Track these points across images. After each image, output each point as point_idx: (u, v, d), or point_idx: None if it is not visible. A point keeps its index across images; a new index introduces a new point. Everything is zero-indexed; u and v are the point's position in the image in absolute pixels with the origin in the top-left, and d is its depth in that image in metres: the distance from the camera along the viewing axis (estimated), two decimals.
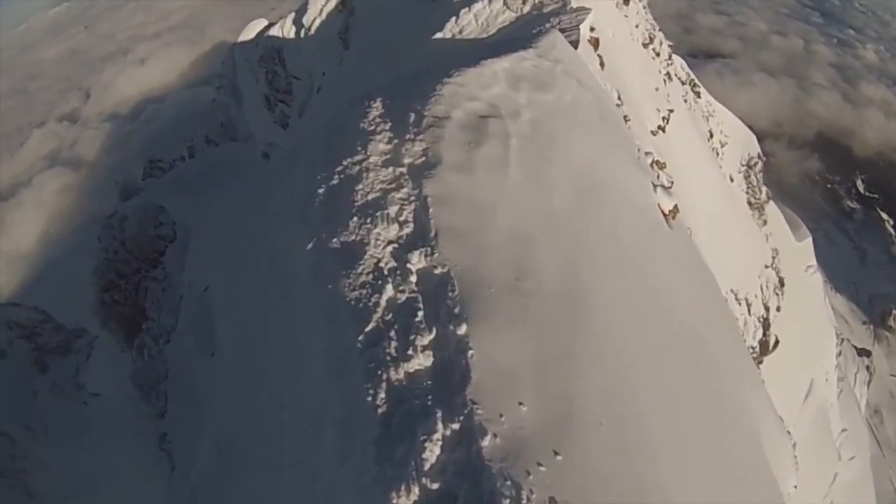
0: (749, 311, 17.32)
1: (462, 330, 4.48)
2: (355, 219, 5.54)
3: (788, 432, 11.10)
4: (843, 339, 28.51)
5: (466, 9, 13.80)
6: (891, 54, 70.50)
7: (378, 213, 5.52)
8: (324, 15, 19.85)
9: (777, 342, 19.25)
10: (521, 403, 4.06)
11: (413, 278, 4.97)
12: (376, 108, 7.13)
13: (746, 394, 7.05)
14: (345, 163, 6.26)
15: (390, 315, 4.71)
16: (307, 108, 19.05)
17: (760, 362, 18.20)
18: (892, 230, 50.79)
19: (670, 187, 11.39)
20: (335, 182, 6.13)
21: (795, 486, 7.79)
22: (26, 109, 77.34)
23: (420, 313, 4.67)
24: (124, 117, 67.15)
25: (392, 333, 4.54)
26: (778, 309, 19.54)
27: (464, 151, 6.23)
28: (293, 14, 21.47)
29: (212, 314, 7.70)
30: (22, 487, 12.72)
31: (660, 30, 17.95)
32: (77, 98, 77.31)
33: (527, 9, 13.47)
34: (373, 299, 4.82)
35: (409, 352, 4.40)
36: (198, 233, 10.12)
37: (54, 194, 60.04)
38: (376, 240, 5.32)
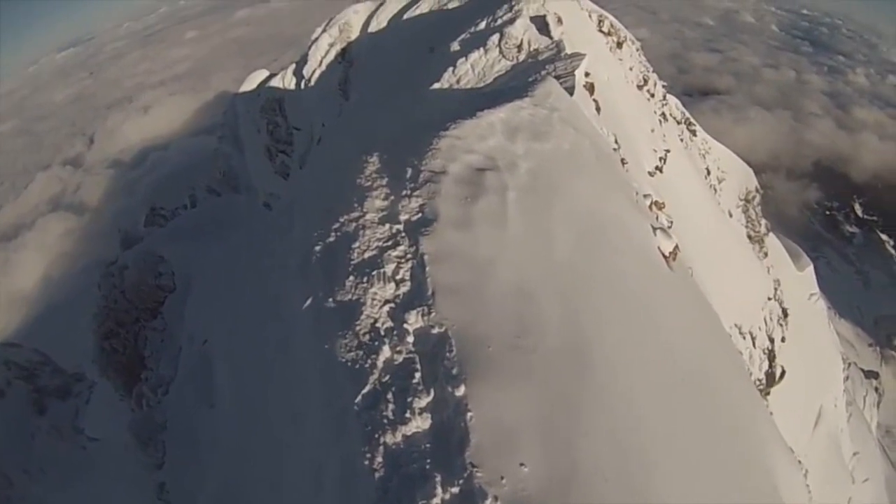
0: (754, 343, 17.26)
1: (460, 391, 4.42)
2: (352, 278, 5.51)
3: (799, 462, 10.97)
4: (849, 364, 28.36)
5: (463, 58, 14.06)
6: (881, 76, 71.82)
7: (374, 273, 5.48)
8: (324, 66, 20.27)
9: (784, 372, 19.13)
10: (522, 464, 4.02)
11: (410, 339, 4.91)
12: (373, 163, 7.18)
13: (755, 430, 6.92)
14: (341, 220, 6.25)
15: (387, 377, 4.66)
16: (307, 158, 19.29)
17: (768, 393, 18.07)
18: (893, 251, 50.88)
19: (670, 227, 11.55)
20: (332, 239, 6.12)
21: None
22: (33, 151, 78.59)
23: (417, 374, 4.62)
24: (127, 164, 68.06)
25: (389, 396, 4.51)
26: (783, 339, 19.47)
27: (461, 206, 6.20)
28: (294, 65, 21.94)
29: (211, 366, 7.64)
30: None
31: (654, 71, 18.32)
32: (81, 143, 78.55)
33: (522, 57, 13.72)
34: (369, 360, 4.78)
35: (407, 414, 4.36)
36: (197, 285, 10.18)
37: (57, 238, 60.48)
38: (373, 299, 5.28)
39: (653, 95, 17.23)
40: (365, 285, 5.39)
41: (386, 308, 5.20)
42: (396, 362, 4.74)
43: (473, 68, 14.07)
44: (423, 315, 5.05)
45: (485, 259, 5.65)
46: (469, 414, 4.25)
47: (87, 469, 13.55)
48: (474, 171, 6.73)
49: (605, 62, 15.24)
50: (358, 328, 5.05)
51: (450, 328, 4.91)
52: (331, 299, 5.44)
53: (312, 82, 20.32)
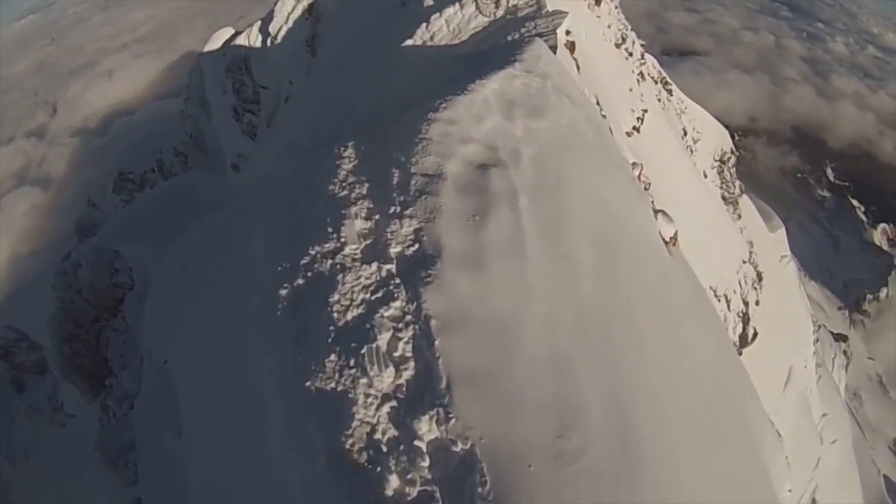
0: (728, 307, 17.44)
1: None
2: (333, 356, 4.17)
3: (779, 433, 11.07)
4: (819, 326, 28.96)
5: (437, 14, 13.56)
6: (860, 46, 72.21)
7: (364, 350, 4.14)
8: (290, 22, 19.58)
9: (756, 334, 19.43)
10: None
11: (424, 462, 3.66)
12: (349, 157, 5.86)
13: (752, 421, 6.56)
14: (312, 252, 4.91)
15: None
16: (275, 118, 18.78)
17: (740, 354, 18.36)
18: (863, 217, 51.87)
19: (647, 188, 11.40)
20: (301, 282, 4.77)
21: (790, 490, 7.65)
22: None
23: None
24: (93, 131, 65.95)
25: None
26: (757, 303, 19.72)
27: (468, 231, 4.94)
28: (259, 22, 21.21)
29: (175, 393, 6.78)
30: None
31: (632, 29, 18.00)
32: (45, 113, 75.82)
33: (500, 13, 13.29)
34: (372, 496, 3.56)
35: None
36: (155, 288, 9.34)
37: (23, 215, 58.77)
38: (366, 395, 3.97)
39: (631, 54, 16.92)
40: (353, 371, 4.07)
41: (386, 409, 3.94)
42: (409, 498, 3.55)
43: (448, 24, 13.58)
44: (437, 421, 3.83)
45: (508, 317, 4.48)
46: None
47: (68, 449, 13.30)
48: (476, 169, 5.59)
49: (583, 19, 14.86)
50: (350, 441, 3.78)
51: (477, 443, 3.73)
52: (308, 383, 4.13)
53: (279, 39, 19.68)
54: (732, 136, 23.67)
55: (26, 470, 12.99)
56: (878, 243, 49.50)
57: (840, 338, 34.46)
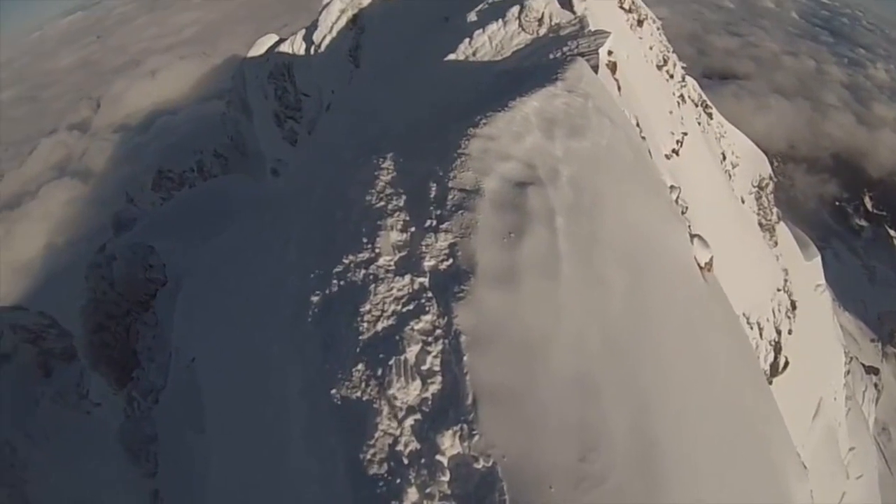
0: (761, 335, 17.11)
1: None
2: (360, 365, 4.20)
3: (804, 466, 10.83)
4: (851, 358, 28.26)
5: (480, 30, 13.62)
6: None
7: (392, 361, 4.15)
8: (334, 32, 19.83)
9: (787, 363, 19.04)
10: None
11: (445, 477, 3.64)
12: (387, 169, 5.91)
13: (778, 452, 6.42)
14: (346, 261, 4.95)
15: None
16: (316, 126, 19.06)
17: (770, 383, 18.01)
18: None
19: (685, 213, 11.32)
20: (333, 290, 4.81)
21: None
22: (37, 117, 77.93)
23: None
24: (135, 128, 67.53)
25: None
26: (789, 332, 19.30)
27: (503, 249, 4.91)
28: (304, 30, 21.56)
29: (199, 391, 6.94)
30: (21, 497, 12.67)
31: (673, 51, 17.89)
32: (88, 107, 77.92)
33: (543, 31, 13.29)
34: None
35: None
36: (186, 287, 9.26)
37: (61, 206, 60.21)
38: (391, 407, 3.98)
39: (672, 76, 16.81)
40: (379, 381, 4.09)
41: (409, 421, 3.94)
42: None
43: (491, 41, 13.63)
44: (461, 437, 3.82)
45: (537, 338, 4.47)
46: None
47: (90, 437, 13.53)
48: (514, 186, 5.56)
49: (625, 40, 14.82)
50: (371, 451, 3.81)
51: (499, 461, 3.71)
52: (333, 391, 4.16)
53: (322, 48, 19.95)
54: (771, 162, 23.34)
55: (46, 451, 13.29)
56: None
57: (871, 370, 33.58)
